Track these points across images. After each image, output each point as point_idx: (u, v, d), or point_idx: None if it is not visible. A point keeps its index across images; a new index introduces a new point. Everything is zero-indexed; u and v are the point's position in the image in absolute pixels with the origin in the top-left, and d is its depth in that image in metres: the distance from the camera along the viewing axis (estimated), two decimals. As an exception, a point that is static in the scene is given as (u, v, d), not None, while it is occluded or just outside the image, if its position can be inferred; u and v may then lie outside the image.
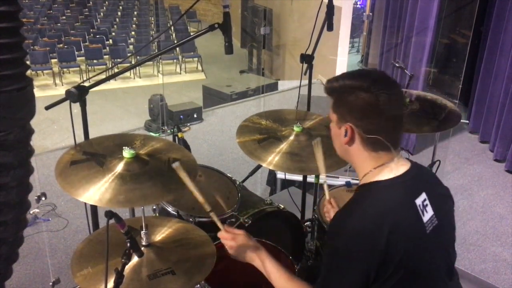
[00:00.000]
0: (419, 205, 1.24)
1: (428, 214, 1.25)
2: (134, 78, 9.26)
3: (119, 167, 1.55)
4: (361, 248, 1.15)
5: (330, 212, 1.76)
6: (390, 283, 1.16)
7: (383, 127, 1.24)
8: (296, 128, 2.02)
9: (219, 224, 1.50)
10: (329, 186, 2.43)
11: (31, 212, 3.42)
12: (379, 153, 1.27)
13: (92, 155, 1.60)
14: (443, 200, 1.35)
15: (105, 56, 9.73)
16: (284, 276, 1.37)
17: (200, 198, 1.46)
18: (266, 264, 1.41)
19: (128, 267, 1.40)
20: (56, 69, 9.11)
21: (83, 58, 9.53)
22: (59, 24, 11.62)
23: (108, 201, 1.43)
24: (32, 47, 9.34)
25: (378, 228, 1.15)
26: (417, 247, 1.21)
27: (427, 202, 1.26)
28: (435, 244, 1.26)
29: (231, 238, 1.44)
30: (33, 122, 1.76)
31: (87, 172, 1.52)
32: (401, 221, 1.19)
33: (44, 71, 9.19)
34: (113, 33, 11.56)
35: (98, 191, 1.45)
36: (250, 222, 2.11)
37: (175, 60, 10.12)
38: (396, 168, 1.27)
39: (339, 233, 1.20)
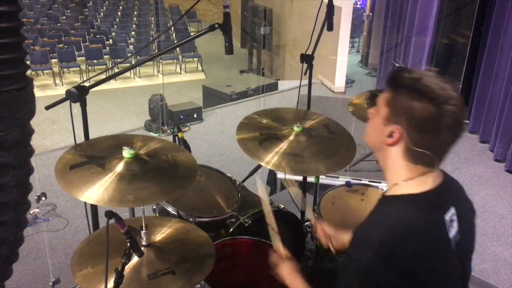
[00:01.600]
0: (447, 221, 1.18)
1: (453, 230, 1.20)
2: (134, 78, 9.25)
3: (120, 167, 1.54)
4: (386, 265, 1.10)
5: (322, 239, 1.76)
6: None
7: (434, 146, 1.16)
8: (296, 128, 2.01)
9: (278, 244, 1.63)
10: (329, 186, 2.44)
11: (31, 212, 3.42)
12: (418, 166, 1.20)
13: (91, 158, 1.60)
14: (468, 215, 1.30)
15: (105, 56, 9.72)
16: None
17: (271, 220, 1.63)
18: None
19: (128, 267, 1.40)
20: (56, 69, 9.11)
21: (83, 58, 9.52)
22: (59, 24, 11.61)
23: (119, 201, 1.43)
24: (32, 47, 9.33)
25: (406, 246, 1.10)
26: (441, 264, 1.17)
27: (454, 217, 1.20)
28: (455, 260, 1.22)
29: (280, 260, 1.55)
30: (33, 122, 1.76)
31: (89, 174, 1.52)
32: (429, 240, 1.14)
33: (44, 71, 9.18)
34: (113, 33, 11.55)
35: (105, 191, 1.45)
36: (250, 222, 2.11)
37: (175, 60, 10.12)
38: (429, 181, 1.20)
39: (364, 246, 1.14)
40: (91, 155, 1.61)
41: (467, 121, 5.34)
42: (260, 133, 2.02)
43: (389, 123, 1.19)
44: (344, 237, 1.68)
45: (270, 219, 1.71)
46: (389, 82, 1.22)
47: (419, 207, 1.16)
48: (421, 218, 1.14)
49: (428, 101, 1.12)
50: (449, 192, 1.24)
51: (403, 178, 1.20)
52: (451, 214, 1.20)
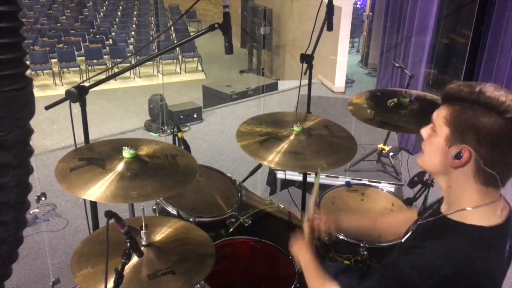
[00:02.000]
0: (507, 251, 1.13)
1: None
2: (134, 78, 9.25)
3: (120, 167, 1.58)
4: None
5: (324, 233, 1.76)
6: None
7: (504, 165, 1.08)
8: (296, 128, 2.02)
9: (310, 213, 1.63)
10: (329, 186, 2.44)
11: (31, 212, 3.41)
12: (488, 189, 1.11)
13: (90, 160, 1.61)
14: None
15: (105, 56, 9.72)
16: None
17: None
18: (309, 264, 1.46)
19: (128, 267, 1.40)
20: (56, 69, 9.11)
21: (83, 58, 9.52)
22: (59, 24, 11.61)
23: (122, 198, 1.47)
24: (32, 47, 9.32)
25: (469, 284, 1.06)
26: None
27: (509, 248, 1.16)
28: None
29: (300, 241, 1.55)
30: (33, 122, 1.76)
31: (90, 174, 1.54)
32: (489, 279, 1.09)
33: (44, 71, 9.18)
34: (113, 33, 11.55)
35: (107, 189, 1.49)
36: (250, 222, 2.11)
37: (175, 60, 10.11)
38: (499, 211, 1.13)
39: (424, 272, 1.06)
40: (91, 158, 1.62)
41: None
42: (260, 134, 2.02)
43: (454, 143, 1.10)
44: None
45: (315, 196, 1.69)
46: (446, 97, 1.13)
47: (489, 246, 1.09)
48: (489, 258, 1.08)
49: (496, 114, 1.04)
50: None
51: (472, 204, 1.12)
52: (509, 245, 1.15)
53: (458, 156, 1.09)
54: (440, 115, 1.14)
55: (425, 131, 1.20)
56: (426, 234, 1.18)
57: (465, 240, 1.09)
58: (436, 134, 1.15)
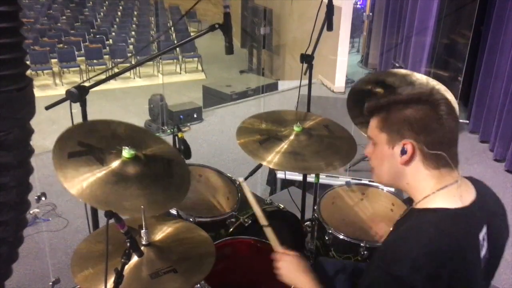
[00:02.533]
0: (480, 240, 1.15)
1: (484, 249, 1.17)
2: (134, 78, 9.25)
3: (117, 164, 1.54)
4: (424, 279, 1.04)
5: None
6: None
7: (445, 141, 1.14)
8: (296, 128, 2.02)
9: (273, 242, 1.56)
10: (329, 186, 2.44)
11: (31, 212, 3.42)
12: (441, 171, 1.16)
13: (89, 147, 1.57)
14: (499, 233, 1.25)
15: (105, 56, 9.73)
16: None
17: (259, 213, 1.58)
18: None
19: (129, 266, 1.40)
20: (56, 69, 9.11)
21: (83, 58, 9.53)
22: (59, 24, 11.62)
23: (114, 205, 1.42)
24: (32, 47, 9.33)
25: (442, 265, 1.05)
26: (472, 284, 1.13)
27: (485, 236, 1.17)
28: (481, 280, 1.18)
29: (283, 257, 1.45)
30: (33, 122, 1.76)
31: (86, 168, 1.50)
32: (465, 262, 1.10)
33: (44, 71, 9.19)
34: (113, 33, 11.55)
35: (101, 191, 1.45)
36: (250, 222, 2.11)
37: (175, 60, 10.12)
38: (462, 194, 1.16)
39: (400, 261, 1.07)
40: (90, 145, 1.58)
41: (467, 121, 5.34)
42: (260, 134, 2.02)
43: (395, 142, 1.17)
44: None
45: (261, 218, 1.66)
46: (370, 111, 1.23)
47: (457, 225, 1.12)
48: (459, 239, 1.10)
49: (416, 102, 1.14)
50: (484, 208, 1.20)
51: (431, 190, 1.16)
52: (483, 232, 1.17)
53: (403, 151, 1.16)
54: (372, 128, 1.23)
55: (368, 151, 1.28)
56: (398, 228, 1.22)
57: (430, 220, 1.13)
58: (377, 145, 1.23)
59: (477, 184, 1.25)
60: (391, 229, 1.33)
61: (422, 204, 1.18)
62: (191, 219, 2.04)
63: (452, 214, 1.13)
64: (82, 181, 1.45)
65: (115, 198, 1.46)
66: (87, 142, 1.59)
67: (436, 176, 1.17)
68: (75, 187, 1.43)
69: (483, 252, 1.16)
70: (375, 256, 1.22)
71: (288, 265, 1.43)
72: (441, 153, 1.14)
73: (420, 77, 1.17)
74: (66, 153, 1.52)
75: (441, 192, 1.16)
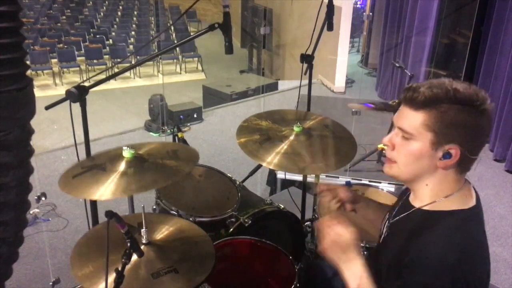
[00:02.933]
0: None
1: None
2: (134, 78, 9.25)
3: (121, 167, 1.59)
4: (453, 284, 1.04)
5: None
6: None
7: (483, 145, 1.15)
8: (296, 128, 2.01)
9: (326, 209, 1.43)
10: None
11: (31, 212, 3.41)
12: (462, 175, 1.18)
13: (92, 166, 1.62)
14: None
15: (105, 56, 9.72)
16: None
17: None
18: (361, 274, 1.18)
19: (131, 266, 1.40)
20: (56, 69, 9.10)
21: (83, 58, 9.52)
22: (59, 24, 11.60)
23: (122, 192, 1.49)
24: (32, 47, 9.32)
25: (476, 262, 1.08)
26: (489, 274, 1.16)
27: None
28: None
29: (336, 228, 1.22)
30: (33, 122, 1.76)
31: (93, 178, 1.56)
32: (486, 255, 1.14)
33: (44, 71, 9.18)
34: (113, 33, 11.55)
35: (108, 187, 1.50)
36: (250, 222, 2.11)
37: (175, 60, 10.11)
38: (472, 194, 1.20)
39: (437, 270, 1.05)
40: (93, 165, 1.64)
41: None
42: (260, 134, 2.02)
43: (440, 145, 1.11)
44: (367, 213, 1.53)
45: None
46: (423, 103, 1.11)
47: (476, 225, 1.15)
48: (479, 234, 1.14)
49: (471, 108, 1.08)
50: (481, 205, 1.23)
51: (448, 192, 1.16)
52: None
53: (446, 156, 1.11)
54: (415, 122, 1.12)
55: (390, 141, 1.19)
56: (411, 231, 1.17)
57: (454, 223, 1.12)
58: (413, 141, 1.14)
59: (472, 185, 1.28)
60: (386, 230, 1.32)
61: (435, 206, 1.16)
62: (191, 219, 2.04)
63: (469, 214, 1.15)
64: (94, 189, 1.51)
65: (128, 185, 1.53)
66: (88, 165, 1.66)
67: (459, 179, 1.17)
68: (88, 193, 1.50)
69: None
70: (392, 259, 1.16)
71: (340, 239, 1.20)
72: (477, 157, 1.14)
73: (475, 87, 1.13)
74: (71, 178, 1.58)
75: (456, 194, 1.16)
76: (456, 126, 1.09)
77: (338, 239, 1.20)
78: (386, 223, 1.33)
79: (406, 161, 1.17)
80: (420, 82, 1.15)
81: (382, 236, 1.34)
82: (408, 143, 1.15)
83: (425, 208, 1.18)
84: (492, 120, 1.14)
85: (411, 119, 1.13)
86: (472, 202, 1.18)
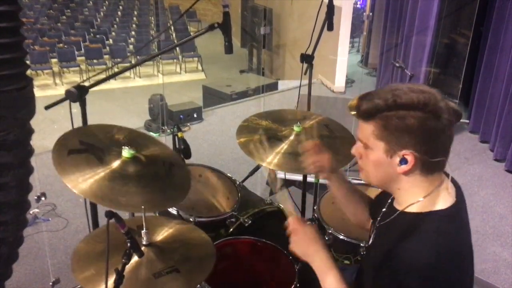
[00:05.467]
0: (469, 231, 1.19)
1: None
2: (134, 78, 9.25)
3: (116, 164, 1.55)
4: (425, 286, 1.06)
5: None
6: None
7: (446, 147, 1.13)
8: (296, 128, 2.01)
9: (288, 206, 1.50)
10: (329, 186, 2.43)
11: (31, 212, 3.41)
12: (434, 175, 1.16)
13: (90, 146, 1.58)
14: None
15: (105, 56, 9.73)
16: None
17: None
18: (329, 271, 1.26)
19: (132, 266, 1.40)
20: (56, 69, 9.11)
21: (83, 58, 9.52)
22: (59, 24, 11.61)
23: (110, 201, 1.44)
24: (32, 47, 9.32)
25: (453, 264, 1.09)
26: (470, 276, 1.18)
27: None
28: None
29: (299, 225, 1.34)
30: (33, 122, 1.76)
31: (86, 166, 1.51)
32: (469, 252, 1.15)
33: (44, 71, 9.18)
34: (113, 33, 11.55)
35: (98, 186, 1.46)
36: (250, 222, 2.11)
37: (175, 60, 10.12)
38: (449, 192, 1.18)
39: (409, 271, 1.07)
40: (91, 144, 1.60)
41: (467, 121, 5.34)
42: (260, 134, 2.02)
43: (394, 152, 1.13)
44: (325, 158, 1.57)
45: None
46: (364, 115, 1.15)
47: (454, 224, 1.14)
48: (460, 234, 1.14)
49: (416, 111, 1.08)
50: (464, 202, 1.22)
51: (422, 194, 1.16)
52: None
53: (402, 162, 1.13)
54: (367, 133, 1.16)
55: (357, 151, 1.24)
56: (391, 234, 1.20)
57: (429, 225, 1.12)
58: (371, 150, 1.18)
59: (455, 181, 1.26)
60: (373, 231, 1.33)
61: (413, 208, 1.18)
62: (191, 219, 2.04)
63: (447, 214, 1.14)
64: (79, 176, 1.46)
65: (111, 193, 1.47)
66: (88, 142, 1.60)
67: (430, 180, 1.16)
68: (73, 181, 1.45)
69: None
70: (377, 261, 1.19)
71: (303, 236, 1.32)
72: (442, 159, 1.13)
73: (421, 86, 1.14)
74: (66, 151, 1.53)
75: (433, 194, 1.16)
76: (403, 132, 1.10)
77: (301, 236, 1.32)
78: (374, 228, 1.35)
79: (370, 169, 1.22)
80: (368, 92, 1.17)
81: (371, 238, 1.37)
82: (367, 153, 1.20)
83: (405, 210, 1.19)
84: (451, 119, 1.11)
85: (364, 130, 1.18)
86: (450, 201, 1.17)
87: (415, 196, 1.17)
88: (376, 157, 1.17)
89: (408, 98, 1.09)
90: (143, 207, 1.53)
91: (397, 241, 1.14)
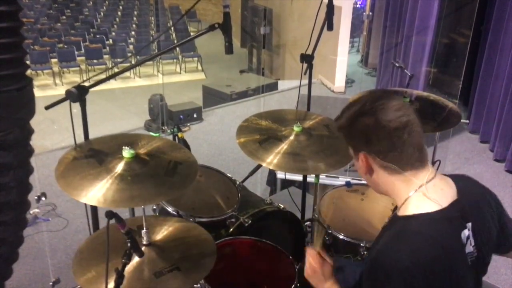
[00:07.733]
0: (463, 238, 1.17)
1: (470, 246, 1.18)
2: (134, 78, 9.25)
3: (119, 167, 1.54)
4: None
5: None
6: None
7: (394, 144, 1.16)
8: (296, 128, 2.01)
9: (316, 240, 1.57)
10: (329, 186, 2.44)
11: (31, 212, 3.42)
12: (405, 174, 1.18)
13: (93, 152, 1.59)
14: (486, 229, 1.24)
15: (105, 56, 9.72)
16: None
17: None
18: None
19: (132, 266, 1.40)
20: (56, 69, 9.10)
21: (83, 58, 9.52)
22: (59, 24, 11.61)
23: (118, 202, 1.43)
24: (32, 47, 9.32)
25: (431, 271, 1.09)
26: (460, 282, 1.16)
27: (470, 233, 1.18)
28: (470, 276, 1.20)
29: (318, 262, 1.44)
30: (33, 122, 1.76)
31: (87, 172, 1.51)
32: (450, 262, 1.13)
33: (44, 71, 9.18)
34: (113, 33, 11.55)
35: (99, 192, 1.45)
36: (250, 222, 2.11)
37: (175, 60, 10.12)
38: (439, 195, 1.17)
39: (390, 275, 1.10)
40: (92, 151, 1.61)
41: (467, 121, 5.34)
42: (260, 134, 2.02)
43: (356, 156, 1.25)
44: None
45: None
46: (338, 130, 1.28)
47: (438, 229, 1.14)
48: (442, 240, 1.12)
49: (360, 116, 1.18)
50: (467, 207, 1.20)
51: (406, 193, 1.19)
52: (467, 230, 1.17)
53: (362, 164, 1.24)
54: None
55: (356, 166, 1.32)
56: (383, 236, 1.23)
57: (411, 229, 1.15)
58: (355, 160, 1.29)
59: (461, 181, 1.25)
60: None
61: (402, 210, 1.20)
62: (191, 220, 2.04)
63: (431, 218, 1.15)
64: (89, 187, 1.47)
65: (124, 194, 1.46)
66: (89, 153, 1.62)
67: (403, 180, 1.19)
68: (85, 196, 1.46)
69: (468, 248, 1.17)
70: (367, 264, 1.22)
71: (320, 276, 1.43)
72: (395, 157, 1.17)
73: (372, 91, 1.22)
74: (70, 169, 1.55)
75: (416, 195, 1.18)
76: (354, 136, 1.23)
77: (318, 270, 1.43)
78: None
79: (367, 180, 1.30)
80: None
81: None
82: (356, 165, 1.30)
83: (398, 214, 1.22)
84: (394, 115, 1.15)
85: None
86: (441, 205, 1.16)
87: (401, 196, 1.21)
88: (355, 164, 1.29)
89: (353, 102, 1.23)
90: (143, 207, 1.53)
91: (381, 243, 1.19)
